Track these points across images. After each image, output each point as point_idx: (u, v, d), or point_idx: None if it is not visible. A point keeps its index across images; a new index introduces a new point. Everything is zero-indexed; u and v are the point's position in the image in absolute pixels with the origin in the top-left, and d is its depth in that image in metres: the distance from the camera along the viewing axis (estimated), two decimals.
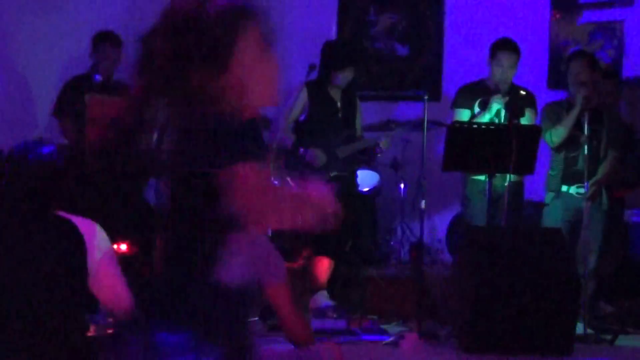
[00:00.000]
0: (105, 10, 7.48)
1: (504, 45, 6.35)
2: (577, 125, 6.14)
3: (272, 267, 3.59)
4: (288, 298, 3.64)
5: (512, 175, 6.13)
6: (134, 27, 7.55)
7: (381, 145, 6.61)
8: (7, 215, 3.28)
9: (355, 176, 6.76)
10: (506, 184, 6.19)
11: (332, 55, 6.50)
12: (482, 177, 6.30)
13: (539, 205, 6.57)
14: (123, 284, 3.43)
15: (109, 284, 3.33)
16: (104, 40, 6.72)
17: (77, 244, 3.23)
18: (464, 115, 6.37)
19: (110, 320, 4.84)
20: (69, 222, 3.28)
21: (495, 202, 6.08)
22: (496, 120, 6.26)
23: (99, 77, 6.61)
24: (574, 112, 6.15)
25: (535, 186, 6.64)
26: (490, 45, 6.45)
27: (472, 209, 6.43)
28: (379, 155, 6.85)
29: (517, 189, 6.40)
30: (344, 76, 6.45)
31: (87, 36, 6.84)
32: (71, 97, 6.57)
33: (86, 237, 3.26)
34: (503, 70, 6.29)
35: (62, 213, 3.33)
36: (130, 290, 3.44)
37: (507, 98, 6.21)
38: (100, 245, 3.30)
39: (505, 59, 6.30)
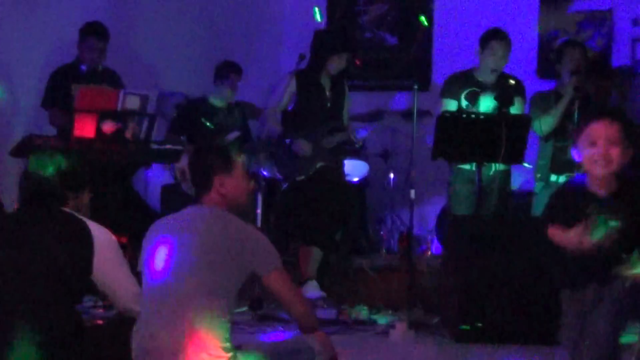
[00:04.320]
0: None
1: (497, 34, 6.33)
2: (567, 115, 6.13)
3: (266, 254, 3.57)
4: (288, 282, 3.62)
5: (499, 165, 6.11)
6: (119, 16, 7.54)
7: (355, 137, 6.54)
8: (26, 209, 3.56)
9: (343, 166, 6.74)
10: (491, 173, 6.18)
11: (327, 42, 6.46)
12: (467, 166, 6.28)
13: (528, 195, 6.56)
14: (130, 282, 3.63)
15: (114, 281, 3.57)
16: (90, 34, 6.66)
17: (86, 242, 3.47)
18: (451, 106, 6.34)
19: (100, 311, 4.84)
20: (82, 222, 3.50)
21: (481, 191, 6.06)
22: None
23: (84, 67, 6.63)
24: (564, 101, 6.14)
25: (524, 176, 6.63)
26: (481, 35, 6.42)
27: (457, 198, 6.41)
28: (357, 146, 6.83)
29: (504, 178, 6.38)
30: (338, 63, 6.40)
31: (72, 26, 6.77)
32: (59, 87, 6.53)
33: (96, 239, 3.48)
34: (496, 60, 6.27)
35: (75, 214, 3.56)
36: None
37: (495, 93, 6.16)
38: (109, 248, 3.54)
39: (498, 47, 6.28)
